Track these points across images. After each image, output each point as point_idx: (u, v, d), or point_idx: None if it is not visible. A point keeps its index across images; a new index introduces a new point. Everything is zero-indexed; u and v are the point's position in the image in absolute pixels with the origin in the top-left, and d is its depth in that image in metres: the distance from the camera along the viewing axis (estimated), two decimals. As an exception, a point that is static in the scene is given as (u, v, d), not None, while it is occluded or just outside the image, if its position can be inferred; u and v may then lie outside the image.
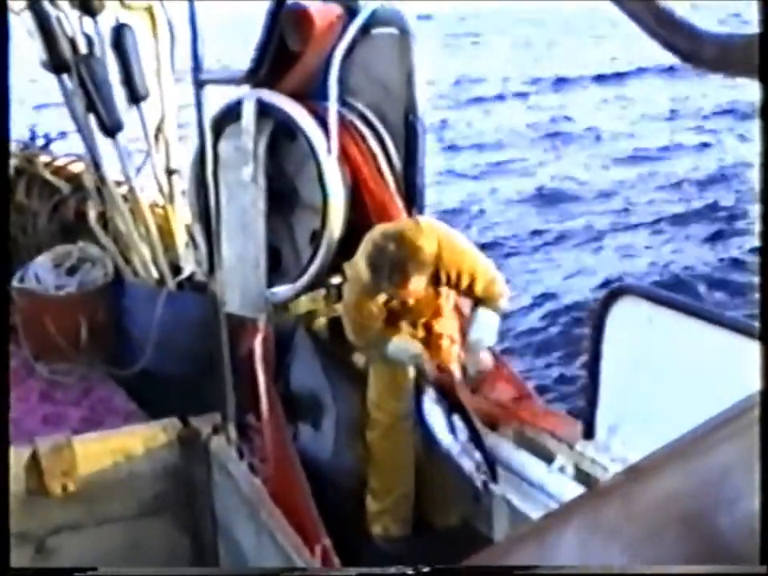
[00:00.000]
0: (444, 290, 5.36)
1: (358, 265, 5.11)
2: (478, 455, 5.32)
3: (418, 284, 4.93)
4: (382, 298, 5.16)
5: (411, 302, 5.18)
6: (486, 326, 5.38)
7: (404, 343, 5.36)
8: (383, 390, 5.58)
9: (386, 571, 1.51)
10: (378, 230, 5.13)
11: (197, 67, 5.00)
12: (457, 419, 5.39)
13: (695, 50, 1.28)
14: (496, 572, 1.30)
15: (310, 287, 5.85)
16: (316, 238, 5.64)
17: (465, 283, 5.20)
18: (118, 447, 4.41)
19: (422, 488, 5.80)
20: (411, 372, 5.48)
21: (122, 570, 4.29)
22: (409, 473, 5.73)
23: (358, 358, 5.89)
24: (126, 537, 4.39)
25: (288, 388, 6.08)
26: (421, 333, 5.49)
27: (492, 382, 5.76)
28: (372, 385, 5.64)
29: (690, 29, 1.28)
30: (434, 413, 5.38)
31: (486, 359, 5.57)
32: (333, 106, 5.49)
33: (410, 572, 1.38)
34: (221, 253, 5.62)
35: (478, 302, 5.37)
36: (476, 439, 5.37)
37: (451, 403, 5.41)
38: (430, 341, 5.50)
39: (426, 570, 1.37)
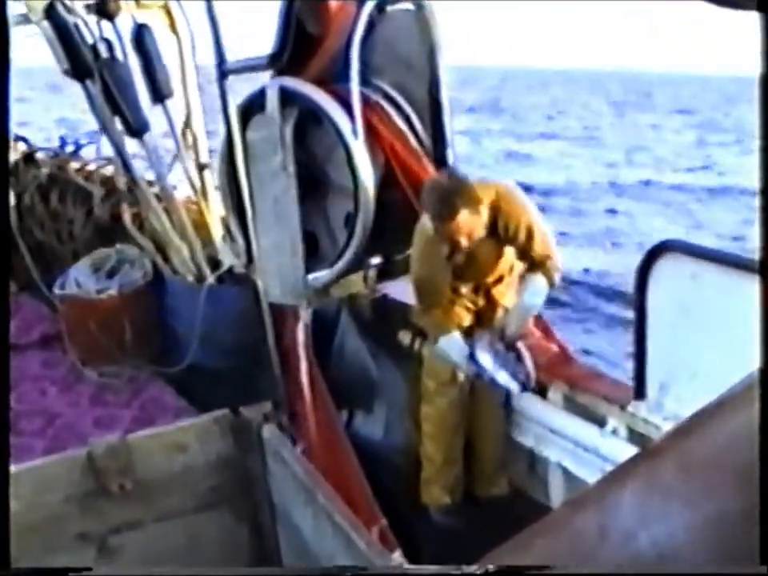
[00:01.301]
0: (507, 251, 5.36)
1: (422, 217, 5.17)
2: (516, 367, 5.34)
3: (467, 220, 4.92)
4: (445, 249, 5.15)
5: (465, 242, 5.11)
6: (539, 294, 5.38)
7: (454, 344, 5.37)
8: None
9: (450, 571, 1.51)
10: None
11: (220, 58, 5.01)
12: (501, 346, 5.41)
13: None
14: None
15: (349, 270, 5.85)
16: (350, 220, 5.63)
17: (522, 237, 5.19)
18: (171, 443, 4.41)
19: (475, 458, 5.80)
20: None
21: (121, 571, 4.34)
22: (455, 440, 5.72)
23: (403, 337, 5.89)
24: (186, 531, 4.41)
25: (338, 373, 6.09)
26: (481, 301, 5.49)
27: (537, 344, 5.75)
28: (426, 355, 5.66)
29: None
30: (483, 351, 5.38)
31: (529, 324, 5.55)
32: (355, 89, 5.47)
33: (478, 572, 1.38)
34: (258, 243, 5.63)
35: (532, 266, 5.37)
36: (517, 355, 5.39)
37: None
38: (486, 309, 5.51)
39: (492, 569, 1.37)
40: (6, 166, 2.72)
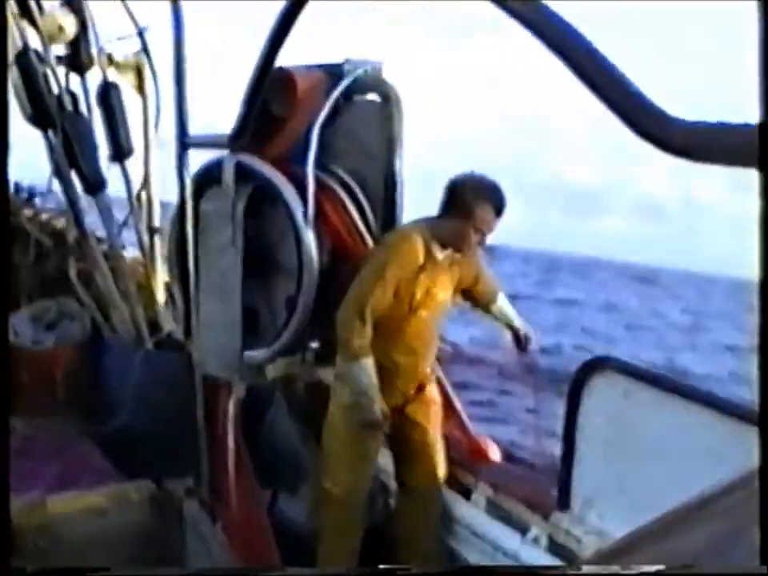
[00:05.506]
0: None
1: (414, 241, 5.30)
2: None
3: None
4: (420, 258, 5.31)
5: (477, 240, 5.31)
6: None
7: (369, 372, 5.20)
8: (340, 459, 5.54)
9: (375, 571, 1.51)
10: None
11: (182, 129, 5.02)
12: None
13: (665, 136, 1.30)
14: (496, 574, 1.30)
15: (287, 351, 5.84)
16: (290, 302, 5.63)
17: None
18: (91, 506, 4.37)
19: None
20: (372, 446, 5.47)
21: (126, 571, 4.26)
22: (351, 548, 5.59)
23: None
24: (98, 598, 4.34)
25: (267, 452, 6.04)
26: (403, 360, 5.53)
27: (460, 441, 5.76)
28: (327, 451, 5.60)
29: (660, 115, 1.31)
30: None
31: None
32: (311, 173, 5.50)
33: (400, 572, 1.39)
34: (198, 313, 5.61)
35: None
36: None
37: None
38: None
39: (416, 571, 1.38)
40: (5, 175, 2.71)
